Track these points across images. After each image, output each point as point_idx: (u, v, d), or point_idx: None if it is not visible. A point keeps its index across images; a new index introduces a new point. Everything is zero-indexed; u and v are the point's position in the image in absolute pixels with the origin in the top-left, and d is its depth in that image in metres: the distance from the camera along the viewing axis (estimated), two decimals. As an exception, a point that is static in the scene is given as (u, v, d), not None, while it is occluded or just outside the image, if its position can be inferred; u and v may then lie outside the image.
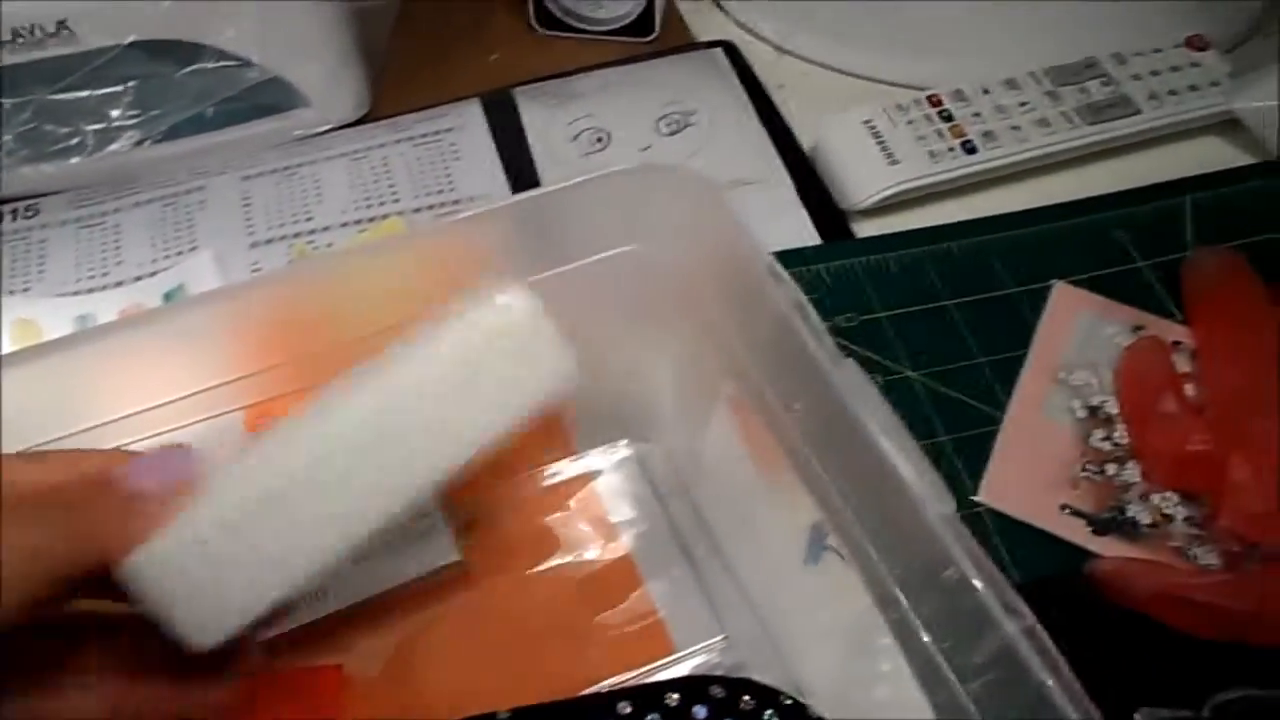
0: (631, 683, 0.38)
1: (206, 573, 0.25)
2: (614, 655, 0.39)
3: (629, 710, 0.34)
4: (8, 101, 0.50)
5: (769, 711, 0.34)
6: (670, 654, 0.39)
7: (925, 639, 0.29)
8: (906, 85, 0.57)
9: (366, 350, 0.36)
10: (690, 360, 0.39)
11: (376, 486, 0.26)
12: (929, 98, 0.53)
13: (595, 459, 0.43)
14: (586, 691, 0.37)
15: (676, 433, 0.42)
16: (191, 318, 0.35)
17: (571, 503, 0.42)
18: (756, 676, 0.38)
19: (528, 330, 0.27)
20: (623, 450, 0.43)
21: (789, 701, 0.35)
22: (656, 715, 0.34)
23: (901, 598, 0.28)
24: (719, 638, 0.39)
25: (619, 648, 0.39)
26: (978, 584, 0.25)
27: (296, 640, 0.37)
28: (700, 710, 0.34)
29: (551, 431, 0.44)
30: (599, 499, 0.42)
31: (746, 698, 0.35)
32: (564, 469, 0.43)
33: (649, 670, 0.39)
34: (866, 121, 0.52)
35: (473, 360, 0.27)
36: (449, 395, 0.27)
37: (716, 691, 0.35)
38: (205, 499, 0.25)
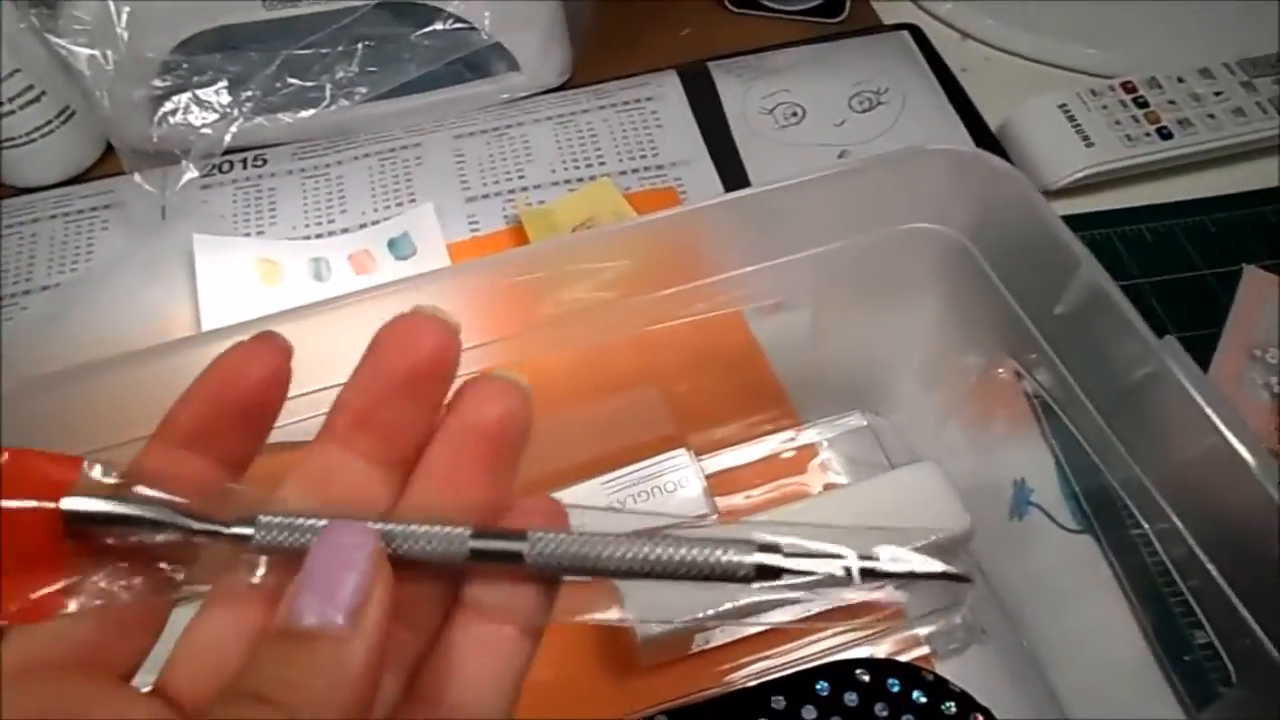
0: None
1: None
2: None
3: (783, 704, 0.34)
4: (256, 53, 0.51)
5: (916, 692, 0.34)
6: (902, 619, 0.39)
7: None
8: (1087, 73, 0.56)
9: (590, 327, 0.36)
10: (943, 335, 0.39)
11: None
12: (1123, 84, 0.52)
13: (826, 428, 0.43)
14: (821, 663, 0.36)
15: (913, 405, 0.42)
16: (424, 290, 0.34)
17: (807, 467, 0.42)
18: (992, 642, 0.38)
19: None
20: (855, 420, 0.43)
21: (931, 678, 0.34)
22: (810, 706, 0.34)
23: (1212, 569, 0.28)
24: (958, 602, 0.38)
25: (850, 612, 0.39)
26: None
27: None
28: (850, 696, 0.34)
29: (780, 402, 0.44)
30: (832, 466, 0.42)
31: (891, 680, 0.34)
32: (797, 437, 0.43)
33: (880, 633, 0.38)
34: (1061, 105, 0.52)
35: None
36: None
37: (862, 675, 0.34)
38: None
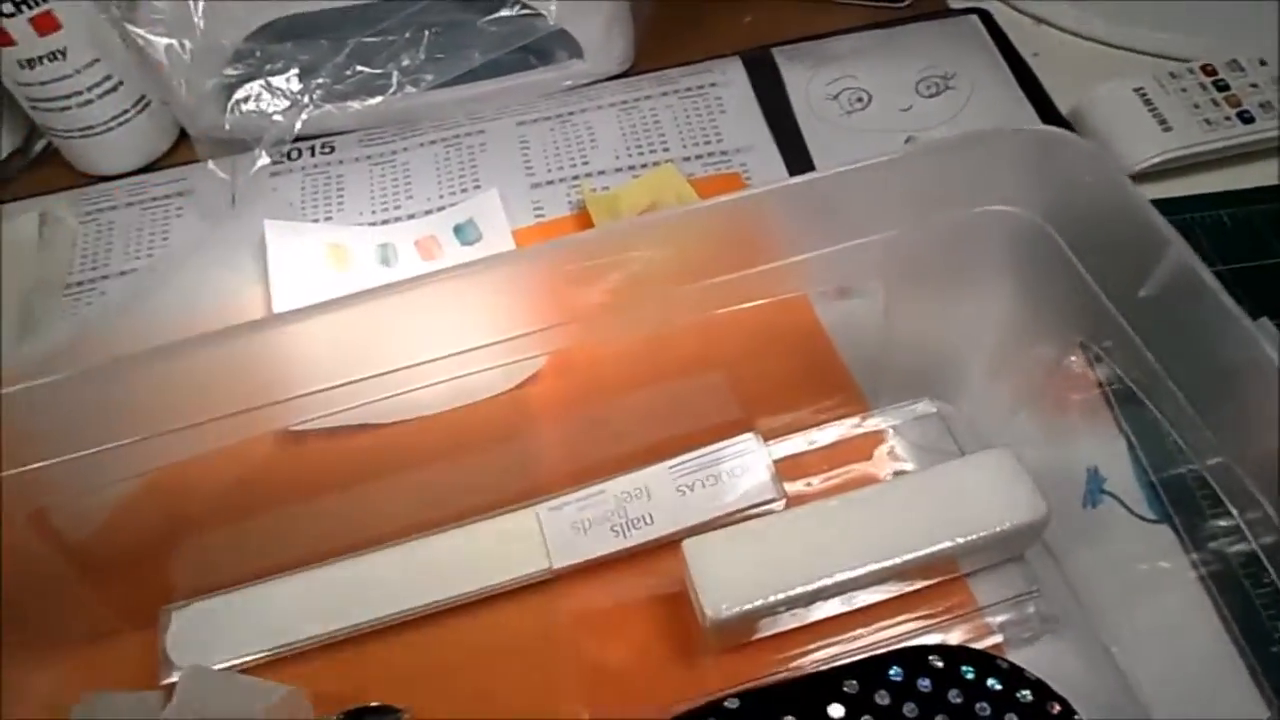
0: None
1: None
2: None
3: (856, 688, 0.33)
4: (326, 40, 0.51)
5: (991, 679, 0.33)
6: (974, 607, 0.38)
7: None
8: (1162, 56, 0.55)
9: (655, 311, 0.36)
10: (1015, 320, 0.38)
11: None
12: (1203, 67, 0.50)
13: (894, 415, 0.43)
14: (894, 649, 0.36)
15: (982, 392, 0.41)
16: (492, 274, 0.34)
17: (874, 454, 0.42)
18: (1066, 632, 0.37)
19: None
20: (924, 407, 0.42)
21: (1005, 665, 0.34)
22: (884, 691, 0.33)
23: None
24: (1032, 590, 0.38)
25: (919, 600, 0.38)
26: None
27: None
28: (923, 682, 0.33)
29: (846, 387, 0.43)
30: (900, 453, 0.42)
31: (965, 667, 0.33)
32: (864, 423, 0.43)
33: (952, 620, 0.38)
34: (1138, 89, 0.50)
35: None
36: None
37: (935, 661, 0.34)
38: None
